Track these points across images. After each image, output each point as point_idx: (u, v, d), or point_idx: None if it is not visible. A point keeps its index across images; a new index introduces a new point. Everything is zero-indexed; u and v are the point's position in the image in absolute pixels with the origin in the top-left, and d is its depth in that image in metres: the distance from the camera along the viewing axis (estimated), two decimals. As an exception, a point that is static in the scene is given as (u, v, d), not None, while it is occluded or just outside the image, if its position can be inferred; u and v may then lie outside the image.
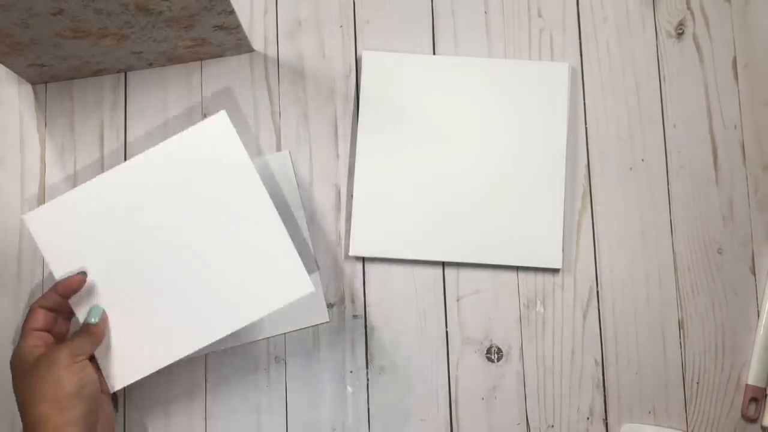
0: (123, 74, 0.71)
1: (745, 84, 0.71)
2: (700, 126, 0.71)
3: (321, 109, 0.71)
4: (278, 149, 0.71)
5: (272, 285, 0.62)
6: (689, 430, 0.68)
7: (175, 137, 0.63)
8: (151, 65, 0.71)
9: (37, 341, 0.60)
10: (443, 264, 0.70)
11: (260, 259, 0.62)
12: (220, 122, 0.63)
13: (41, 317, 0.61)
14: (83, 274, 0.62)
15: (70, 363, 0.58)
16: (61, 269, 0.62)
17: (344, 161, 0.71)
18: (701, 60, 0.72)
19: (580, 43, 0.72)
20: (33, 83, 0.71)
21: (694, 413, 0.68)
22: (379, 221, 0.69)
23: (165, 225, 0.63)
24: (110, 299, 0.63)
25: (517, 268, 0.69)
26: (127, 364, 0.62)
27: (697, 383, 0.68)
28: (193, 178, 0.63)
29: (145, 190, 0.63)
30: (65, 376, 0.58)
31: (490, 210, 0.69)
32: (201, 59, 0.71)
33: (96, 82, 0.71)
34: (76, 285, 0.62)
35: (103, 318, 0.62)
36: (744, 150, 0.71)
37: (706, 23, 0.72)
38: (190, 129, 0.63)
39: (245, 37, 0.69)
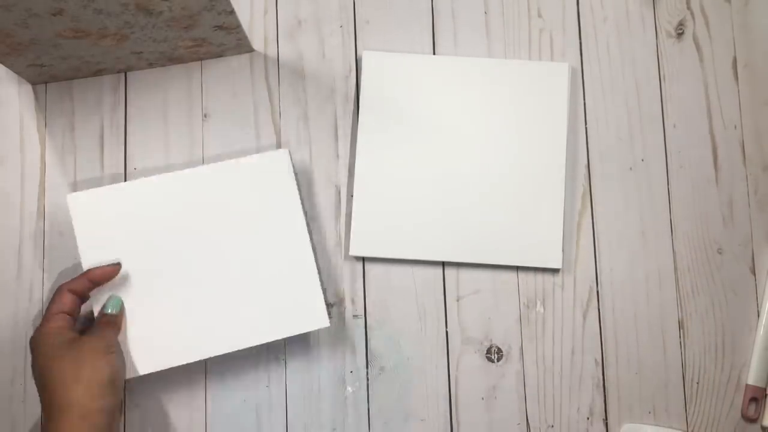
0: (123, 74, 0.71)
1: (745, 84, 0.71)
2: (700, 126, 0.71)
3: (321, 109, 0.71)
4: (278, 149, 0.70)
5: (292, 312, 0.65)
6: (689, 430, 0.68)
7: (235, 160, 0.66)
8: (151, 65, 0.71)
9: (62, 323, 0.60)
10: (443, 264, 0.70)
11: (285, 286, 0.65)
12: (281, 157, 0.66)
13: (68, 301, 0.61)
14: (118, 265, 0.63)
15: (107, 352, 0.59)
16: (89, 254, 0.64)
17: (344, 161, 0.71)
18: (701, 60, 0.72)
19: (580, 43, 0.72)
20: (33, 83, 0.71)
21: (694, 413, 0.68)
22: (379, 221, 0.69)
23: (202, 235, 0.66)
24: (133, 293, 0.65)
25: (517, 268, 0.70)
26: (135, 359, 0.64)
27: (697, 383, 0.68)
28: (240, 199, 0.66)
29: (191, 200, 0.66)
30: (104, 364, 0.59)
31: (490, 210, 0.69)
32: (201, 59, 0.71)
33: (96, 82, 0.71)
34: (111, 274, 0.63)
35: (122, 309, 0.63)
36: (744, 150, 0.71)
37: (706, 23, 0.72)
38: (252, 156, 0.66)
39: (245, 37, 0.69)
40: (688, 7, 0.72)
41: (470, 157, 0.70)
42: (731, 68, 0.72)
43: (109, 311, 0.63)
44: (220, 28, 0.65)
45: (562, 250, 0.69)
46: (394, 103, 0.70)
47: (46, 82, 0.71)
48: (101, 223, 0.65)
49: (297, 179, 0.70)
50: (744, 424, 0.68)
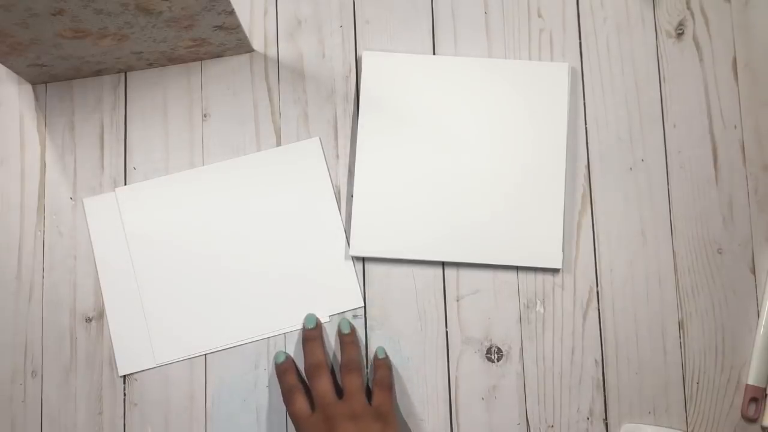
0: (123, 74, 0.71)
1: (745, 84, 0.71)
2: (700, 126, 0.71)
3: (321, 109, 0.71)
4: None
5: (327, 296, 0.69)
6: (689, 430, 0.68)
7: (266, 151, 0.70)
8: (151, 65, 0.71)
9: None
10: (443, 264, 0.70)
11: (322, 271, 0.69)
12: (312, 145, 0.70)
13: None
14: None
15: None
16: (135, 246, 0.69)
17: (344, 161, 0.71)
18: (701, 60, 0.72)
19: (580, 43, 0.72)
20: (33, 83, 0.71)
21: (694, 413, 0.68)
22: (379, 221, 0.69)
23: (237, 223, 0.70)
24: (172, 282, 0.69)
25: (517, 268, 0.69)
26: (168, 345, 0.68)
27: (697, 383, 0.68)
28: (273, 188, 0.70)
29: (224, 191, 0.70)
30: None
31: (490, 210, 0.69)
32: (201, 59, 0.71)
33: (96, 82, 0.71)
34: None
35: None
36: (744, 150, 0.71)
37: (706, 23, 0.72)
38: (284, 146, 0.70)
39: (245, 37, 0.69)
40: (688, 7, 0.72)
41: (470, 157, 0.70)
42: (731, 68, 0.72)
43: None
44: (220, 28, 0.65)
45: (563, 250, 0.69)
46: (394, 103, 0.70)
47: (46, 82, 0.71)
48: (144, 218, 0.70)
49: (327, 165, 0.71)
50: (744, 424, 0.68)
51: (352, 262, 0.69)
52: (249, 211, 0.70)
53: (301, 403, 0.64)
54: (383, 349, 0.68)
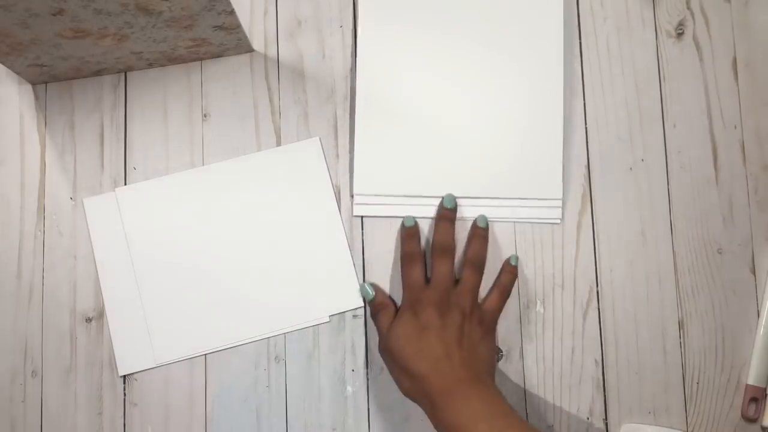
0: (123, 74, 0.71)
1: (745, 84, 0.71)
2: (700, 126, 0.71)
3: (321, 109, 0.71)
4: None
5: (328, 295, 0.69)
6: (689, 430, 0.68)
7: (267, 151, 0.70)
8: (150, 65, 0.71)
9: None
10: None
11: (321, 270, 0.69)
12: (312, 146, 0.70)
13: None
14: None
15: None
16: (136, 246, 0.69)
17: (344, 161, 0.71)
18: (701, 60, 0.72)
19: (580, 43, 0.72)
20: (33, 83, 0.71)
21: (694, 413, 0.68)
22: (380, 162, 0.70)
23: (237, 224, 0.69)
24: (171, 278, 0.69)
25: (518, 268, 0.69)
26: (168, 344, 0.68)
27: (697, 383, 0.68)
28: (274, 188, 0.70)
29: (225, 190, 0.70)
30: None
31: (490, 144, 0.70)
32: (201, 59, 0.71)
33: (96, 81, 0.71)
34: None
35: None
36: (744, 150, 0.71)
37: (706, 23, 0.72)
38: (284, 146, 0.70)
39: (245, 37, 0.69)
40: (688, 7, 0.72)
41: (467, 90, 0.71)
42: (731, 68, 0.72)
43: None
44: (220, 28, 0.65)
45: (562, 181, 0.69)
46: (394, 28, 0.71)
47: (46, 82, 0.71)
48: (144, 218, 0.70)
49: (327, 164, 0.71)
50: (744, 424, 0.68)
51: (352, 261, 0.69)
52: (249, 211, 0.69)
53: (420, 271, 0.66)
54: (517, 258, 0.68)
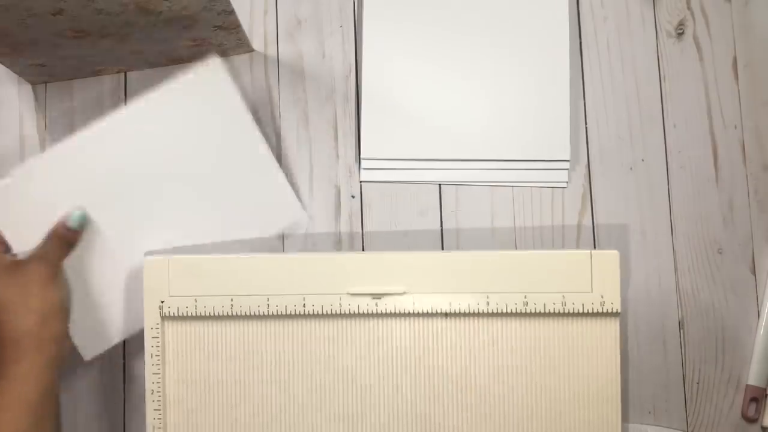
0: (123, 74, 0.71)
1: (745, 84, 0.71)
2: (700, 126, 0.71)
3: (321, 109, 0.71)
4: (278, 149, 0.71)
5: (267, 215, 0.67)
6: (689, 430, 0.68)
7: (168, 84, 0.64)
8: (151, 65, 0.71)
9: None
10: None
11: (254, 193, 0.67)
12: (214, 67, 0.65)
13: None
14: (78, 232, 0.61)
15: (54, 276, 0.57)
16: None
17: (344, 161, 0.71)
18: (701, 60, 0.72)
19: (580, 43, 0.72)
20: (33, 83, 0.71)
21: (694, 413, 0.68)
22: (386, 127, 0.70)
23: (160, 166, 0.65)
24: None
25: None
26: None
27: (697, 383, 0.68)
28: (187, 121, 0.65)
29: (141, 135, 0.65)
30: (53, 290, 0.57)
31: (497, 107, 0.70)
32: (201, 59, 0.71)
33: (96, 81, 0.71)
34: (72, 238, 0.61)
35: (83, 227, 0.62)
36: (744, 150, 0.71)
37: (706, 23, 0.72)
38: (185, 76, 0.65)
39: (245, 37, 0.69)
40: (688, 7, 0.72)
41: (475, 53, 0.71)
42: (731, 68, 0.72)
43: (72, 225, 0.60)
44: (220, 28, 0.65)
45: (570, 143, 0.70)
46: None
47: (46, 82, 0.71)
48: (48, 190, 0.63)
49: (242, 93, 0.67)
50: (744, 424, 0.68)
51: (285, 177, 0.67)
52: (168, 156, 0.66)
53: None
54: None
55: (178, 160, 0.66)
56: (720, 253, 0.70)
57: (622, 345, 0.68)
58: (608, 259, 0.63)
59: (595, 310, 0.62)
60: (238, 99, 0.65)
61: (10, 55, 0.64)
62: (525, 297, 0.63)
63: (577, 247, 0.69)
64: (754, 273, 0.70)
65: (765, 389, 0.68)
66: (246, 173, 0.66)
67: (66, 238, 0.60)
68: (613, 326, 0.63)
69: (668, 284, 0.69)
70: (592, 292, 0.63)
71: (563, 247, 0.69)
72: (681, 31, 0.72)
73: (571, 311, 0.62)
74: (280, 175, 0.67)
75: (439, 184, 0.70)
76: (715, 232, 0.70)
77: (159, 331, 0.62)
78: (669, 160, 0.71)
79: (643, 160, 0.71)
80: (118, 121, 0.64)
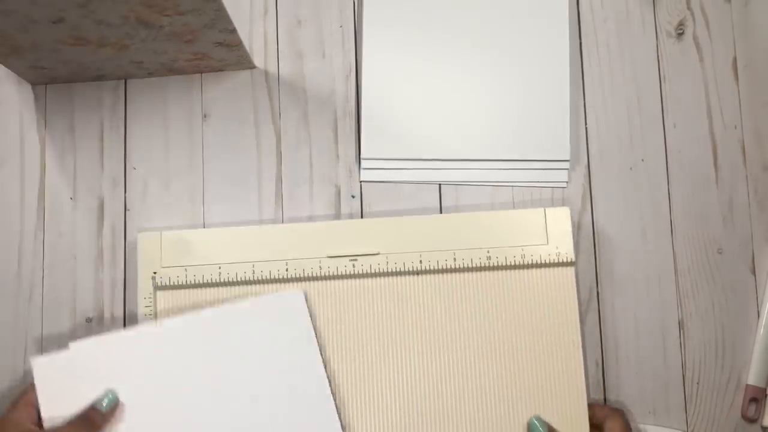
0: (123, 80, 0.71)
1: (745, 84, 0.71)
2: (700, 126, 0.71)
3: (321, 109, 0.71)
4: (278, 150, 0.71)
5: None
6: (689, 430, 0.68)
7: (249, 301, 0.64)
8: (150, 75, 0.70)
9: (27, 415, 0.58)
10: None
11: (304, 423, 0.62)
12: (295, 300, 0.65)
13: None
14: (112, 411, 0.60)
15: None
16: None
17: (344, 161, 0.71)
18: (701, 60, 0.72)
19: (580, 43, 0.72)
20: (33, 84, 0.71)
21: (694, 413, 0.68)
22: (387, 127, 0.70)
23: (217, 377, 0.62)
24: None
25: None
26: None
27: (697, 383, 0.69)
28: (256, 340, 0.63)
29: (207, 342, 0.63)
30: None
31: (498, 107, 0.71)
32: (201, 72, 0.71)
33: (96, 84, 0.71)
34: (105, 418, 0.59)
35: (114, 410, 0.60)
36: (744, 150, 0.71)
37: (706, 23, 0.72)
38: (266, 297, 0.65)
39: (246, 54, 0.68)
40: (688, 7, 0.72)
41: (473, 54, 0.71)
42: (731, 68, 0.72)
43: (103, 407, 0.59)
44: (221, 44, 0.65)
45: (570, 143, 0.70)
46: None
47: (46, 83, 0.71)
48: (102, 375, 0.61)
49: (311, 314, 0.65)
50: (744, 424, 0.68)
51: (337, 415, 0.63)
52: (223, 373, 0.63)
53: None
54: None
55: (235, 374, 0.62)
56: (720, 253, 0.70)
57: (626, 342, 0.68)
58: (561, 214, 0.67)
59: (551, 261, 0.66)
60: (312, 336, 0.64)
61: (10, 56, 0.64)
62: (488, 252, 0.67)
63: (577, 246, 0.70)
64: (754, 273, 0.70)
65: (765, 389, 0.68)
66: (298, 404, 0.62)
67: (94, 422, 0.58)
68: (569, 274, 0.66)
69: (668, 284, 0.69)
70: (548, 244, 0.67)
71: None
72: (681, 32, 0.72)
73: (530, 263, 0.66)
74: (335, 418, 0.63)
75: (439, 184, 0.70)
76: (715, 232, 0.70)
77: (152, 300, 0.66)
78: (669, 160, 0.71)
79: (643, 160, 0.71)
80: (191, 323, 0.63)
